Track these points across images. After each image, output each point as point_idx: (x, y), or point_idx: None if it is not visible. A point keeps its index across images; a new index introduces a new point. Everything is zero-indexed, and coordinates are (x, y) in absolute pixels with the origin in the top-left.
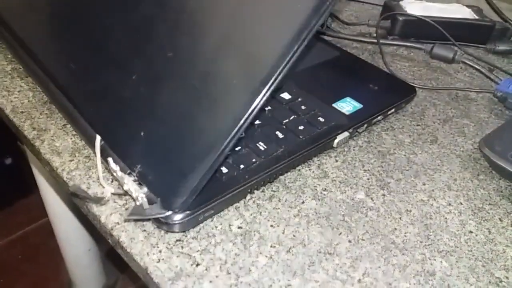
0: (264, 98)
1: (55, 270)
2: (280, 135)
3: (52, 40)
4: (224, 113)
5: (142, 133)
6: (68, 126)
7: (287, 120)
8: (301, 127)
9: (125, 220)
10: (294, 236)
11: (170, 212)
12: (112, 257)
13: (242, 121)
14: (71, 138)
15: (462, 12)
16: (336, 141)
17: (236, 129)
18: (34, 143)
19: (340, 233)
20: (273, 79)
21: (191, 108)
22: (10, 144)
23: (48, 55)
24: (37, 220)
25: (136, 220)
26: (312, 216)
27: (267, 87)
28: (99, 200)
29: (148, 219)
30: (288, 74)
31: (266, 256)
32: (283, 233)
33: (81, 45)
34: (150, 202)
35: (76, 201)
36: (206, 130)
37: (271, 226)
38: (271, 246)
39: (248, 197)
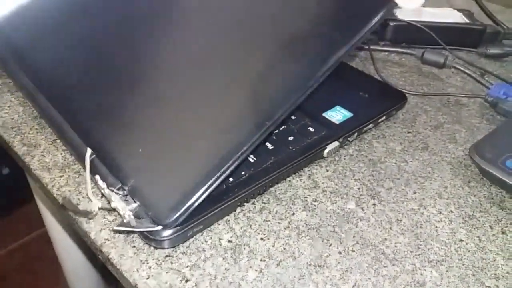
0: (269, 131)
1: (54, 280)
2: (270, 147)
3: (44, 53)
4: (229, 138)
5: (140, 150)
6: (58, 141)
7: (277, 131)
8: (291, 138)
9: (114, 231)
10: (284, 248)
11: (159, 227)
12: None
13: (246, 148)
14: (61, 154)
15: (453, 16)
16: (326, 151)
17: (239, 154)
18: (24, 159)
19: (331, 245)
20: (277, 116)
21: (194, 130)
22: (7, 153)
23: (39, 68)
24: (35, 230)
25: (124, 232)
26: (302, 228)
27: (272, 121)
28: (87, 214)
29: (137, 232)
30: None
31: (256, 270)
32: (273, 246)
33: (76, 58)
34: (138, 218)
35: (66, 216)
36: (208, 151)
37: (261, 239)
38: (261, 260)
39: (238, 210)
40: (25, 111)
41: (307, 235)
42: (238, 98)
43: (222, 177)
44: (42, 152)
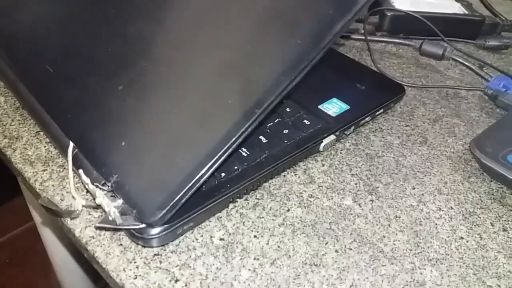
0: (259, 119)
1: (43, 274)
2: (264, 140)
3: (29, 41)
4: (216, 128)
5: (123, 143)
6: (42, 133)
7: (271, 123)
8: (285, 131)
9: (96, 228)
10: (278, 247)
11: (144, 225)
12: None
13: (235, 138)
14: (45, 146)
15: (452, 7)
16: (322, 144)
17: (227, 146)
18: (5, 152)
19: (327, 243)
20: (268, 103)
21: (179, 121)
22: None
23: (22, 57)
24: (24, 223)
25: (109, 229)
26: (297, 225)
27: (261, 110)
28: (70, 214)
29: (121, 230)
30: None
31: (249, 270)
32: (267, 244)
33: (61, 48)
34: (125, 215)
35: (50, 213)
36: (195, 143)
37: (255, 236)
38: (254, 259)
39: (231, 206)
40: (6, 102)
41: (303, 233)
42: (225, 86)
43: (210, 171)
44: (24, 144)
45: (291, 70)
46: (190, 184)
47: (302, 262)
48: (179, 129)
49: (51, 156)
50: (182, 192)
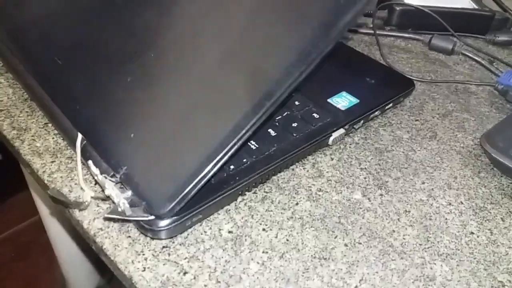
0: (269, 112)
1: (48, 268)
2: (273, 133)
3: (37, 33)
4: (226, 121)
5: (132, 135)
6: (50, 125)
7: (279, 116)
8: (294, 124)
9: (105, 219)
10: (287, 240)
11: (153, 217)
12: None
13: (244, 131)
14: (53, 138)
15: (461, 2)
16: (331, 138)
17: (236, 139)
18: (13, 144)
19: (336, 236)
20: (278, 95)
21: (189, 113)
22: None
23: (31, 49)
24: (28, 218)
25: (117, 221)
26: (306, 219)
27: (271, 102)
28: (78, 205)
29: (130, 221)
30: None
31: (258, 263)
32: (276, 237)
33: (69, 39)
34: (134, 206)
35: (58, 204)
36: (204, 136)
37: (263, 230)
38: (263, 252)
39: (240, 199)
40: (15, 93)
41: (312, 226)
42: (234, 77)
43: (220, 164)
44: (32, 136)
45: (302, 62)
46: (199, 177)
47: (311, 255)
48: (188, 121)
49: (60, 148)
50: (192, 185)
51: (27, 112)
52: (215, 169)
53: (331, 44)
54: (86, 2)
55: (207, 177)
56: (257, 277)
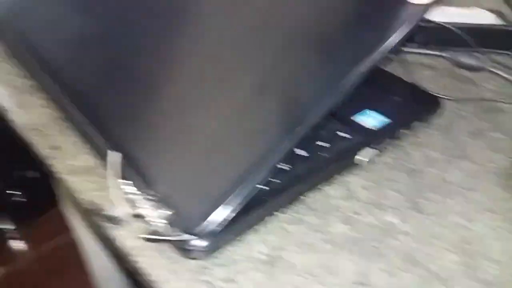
0: (300, 137)
1: (83, 283)
2: (302, 154)
3: (69, 53)
4: (261, 145)
5: (166, 153)
6: (83, 143)
7: (308, 137)
8: (322, 144)
9: (144, 239)
10: (323, 264)
11: (192, 237)
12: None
13: (277, 157)
14: (87, 156)
15: (484, 17)
16: (359, 157)
17: (276, 159)
18: (49, 162)
19: (373, 261)
20: (312, 122)
21: (224, 135)
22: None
23: (62, 69)
24: (64, 232)
25: (155, 241)
26: (340, 241)
27: (305, 129)
28: (115, 221)
29: (168, 241)
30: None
31: (295, 287)
32: (311, 260)
33: (99, 58)
34: (170, 226)
35: (93, 222)
36: (245, 158)
37: (298, 252)
38: (299, 276)
39: (271, 219)
40: (49, 113)
41: (347, 250)
42: (269, 103)
43: (255, 184)
44: (67, 154)
45: (336, 93)
46: (234, 197)
47: (350, 281)
48: (223, 143)
49: (94, 166)
50: (228, 205)
51: (61, 130)
52: (250, 189)
53: (362, 77)
54: (119, 23)
55: (242, 197)
56: None
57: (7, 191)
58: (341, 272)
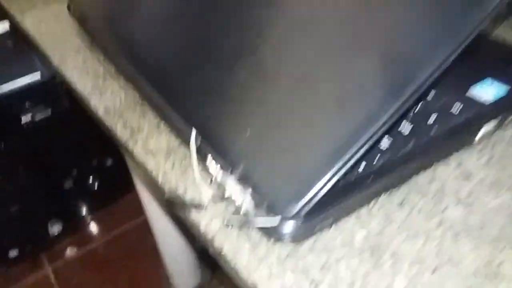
0: (410, 101)
1: (154, 266)
2: (408, 129)
3: (144, 35)
4: (359, 112)
5: (249, 130)
6: (162, 124)
7: (414, 110)
8: (433, 119)
9: (227, 226)
10: (438, 252)
11: (281, 219)
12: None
13: (381, 123)
14: (166, 137)
15: None
16: (479, 134)
17: (372, 132)
18: (127, 145)
19: (504, 248)
20: (423, 79)
21: (315, 103)
22: (110, 145)
23: (140, 49)
24: (136, 218)
25: (241, 225)
26: (458, 228)
27: (415, 87)
28: (197, 207)
29: (256, 225)
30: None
31: (406, 277)
32: (424, 248)
33: (176, 37)
34: (256, 207)
35: (172, 206)
36: (334, 128)
37: (406, 239)
38: (409, 265)
39: (372, 203)
40: (127, 96)
41: (467, 237)
42: (369, 62)
43: (352, 161)
44: (145, 137)
45: (452, 39)
46: (330, 175)
47: (473, 272)
48: (314, 112)
49: (173, 147)
50: (322, 183)
51: (139, 113)
52: (347, 166)
53: (484, 24)
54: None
55: (338, 175)
56: None
57: (86, 178)
58: (462, 261)
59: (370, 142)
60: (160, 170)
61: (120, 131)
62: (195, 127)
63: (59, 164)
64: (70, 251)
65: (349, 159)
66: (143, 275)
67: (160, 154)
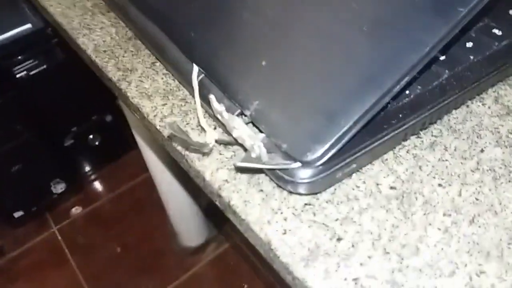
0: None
1: (161, 222)
2: (442, 57)
3: None
4: (392, 42)
5: (263, 63)
6: (158, 64)
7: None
8: (469, 44)
9: (236, 170)
10: (476, 199)
11: (298, 164)
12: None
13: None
14: (162, 78)
15: None
16: None
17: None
18: (120, 86)
19: None
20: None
21: (339, 32)
22: (110, 101)
23: None
24: (141, 174)
25: (249, 171)
26: (499, 170)
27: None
28: (201, 146)
29: (268, 170)
30: None
31: (440, 229)
32: (460, 195)
33: None
34: (269, 152)
35: (174, 152)
36: (361, 61)
37: (439, 185)
38: (444, 215)
39: (399, 146)
40: (118, 32)
41: (510, 181)
42: None
43: (386, 99)
44: (139, 77)
45: None
46: (359, 114)
47: None
48: (342, 42)
49: (171, 89)
50: (349, 125)
51: (132, 51)
52: (378, 107)
53: None
54: None
55: (368, 116)
56: (441, 248)
57: (87, 135)
58: (504, 209)
59: (405, 79)
60: (158, 114)
61: (112, 71)
62: (197, 61)
63: (58, 121)
64: (75, 210)
65: (374, 96)
66: (150, 232)
67: (156, 96)
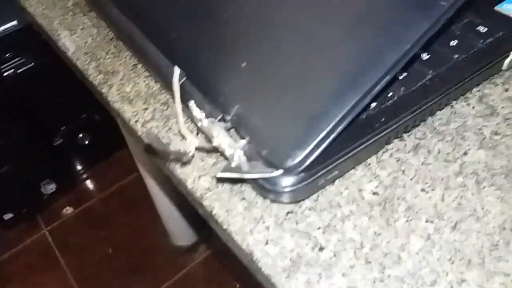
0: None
1: (152, 221)
2: (425, 56)
3: None
4: (371, 42)
5: (243, 64)
6: (140, 66)
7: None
8: (453, 43)
9: (217, 180)
10: (459, 204)
11: (280, 172)
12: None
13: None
14: (144, 81)
15: None
16: (507, 61)
17: (389, 67)
18: (101, 90)
19: None
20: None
21: (324, 35)
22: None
23: None
24: (132, 173)
25: (232, 180)
26: (482, 174)
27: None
28: (181, 155)
29: (249, 179)
30: None
31: (422, 237)
32: (442, 200)
33: None
34: (250, 159)
35: (154, 159)
36: (343, 61)
37: (422, 190)
38: (426, 221)
39: (382, 150)
40: (99, 33)
41: (492, 184)
42: None
43: (366, 100)
44: (121, 80)
45: None
46: (338, 118)
47: (499, 226)
48: (321, 46)
49: (152, 92)
50: (328, 130)
51: (113, 53)
52: (358, 109)
53: None
54: None
55: (348, 119)
56: (423, 257)
57: (76, 134)
58: (487, 214)
59: (385, 79)
60: (139, 119)
61: (93, 74)
62: (178, 64)
63: (47, 120)
64: (65, 211)
65: (354, 99)
66: (141, 231)
67: (138, 100)
